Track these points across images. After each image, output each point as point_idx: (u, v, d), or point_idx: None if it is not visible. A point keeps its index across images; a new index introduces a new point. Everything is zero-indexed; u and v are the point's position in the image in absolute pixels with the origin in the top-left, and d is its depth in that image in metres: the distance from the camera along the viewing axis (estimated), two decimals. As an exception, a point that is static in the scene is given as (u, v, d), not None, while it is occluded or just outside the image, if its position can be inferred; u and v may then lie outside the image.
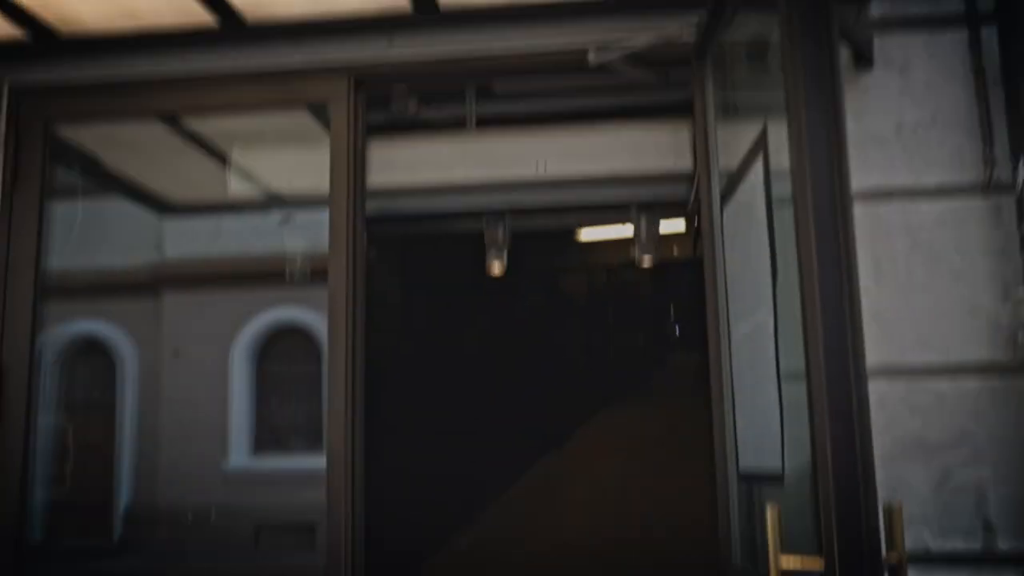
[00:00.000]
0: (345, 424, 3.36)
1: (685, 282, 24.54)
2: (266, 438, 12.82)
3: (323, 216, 3.99)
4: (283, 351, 13.45)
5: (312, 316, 11.87)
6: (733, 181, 3.46)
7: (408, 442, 8.91)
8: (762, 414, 2.64)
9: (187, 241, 13.61)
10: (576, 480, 11.48)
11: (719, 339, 3.25)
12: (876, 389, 2.39)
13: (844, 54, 3.50)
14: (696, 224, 4.90)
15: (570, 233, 11.23)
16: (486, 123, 6.04)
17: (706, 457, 12.38)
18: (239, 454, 13.47)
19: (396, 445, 8.57)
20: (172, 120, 6.17)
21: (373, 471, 7.01)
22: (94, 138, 6.33)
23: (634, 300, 23.78)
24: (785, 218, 2.50)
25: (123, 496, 13.81)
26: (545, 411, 13.02)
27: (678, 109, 5.21)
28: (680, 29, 4.08)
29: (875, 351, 3.13)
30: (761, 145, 3.04)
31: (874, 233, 3.49)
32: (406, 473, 8.64)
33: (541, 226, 7.26)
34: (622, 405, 16.79)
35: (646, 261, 7.96)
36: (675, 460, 11.65)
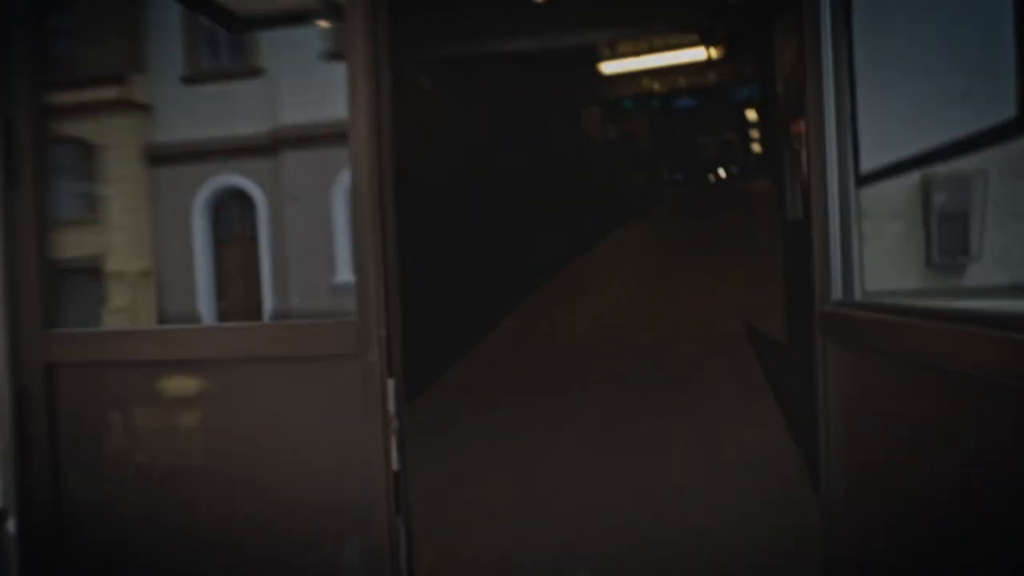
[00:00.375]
0: (372, 233, 1.99)
1: (686, 123, 22.78)
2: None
3: None
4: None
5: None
6: None
7: (467, 246, 7.83)
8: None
9: (298, 109, 12.95)
10: (601, 274, 10.51)
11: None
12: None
13: None
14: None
15: (592, 64, 9.64)
16: None
17: (696, 255, 11.24)
18: (343, 272, 13.22)
19: (457, 248, 7.40)
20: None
21: (434, 273, 6.40)
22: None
23: (640, 146, 22.18)
24: None
25: (268, 302, 13.93)
26: (575, 227, 12.04)
27: None
28: None
29: None
30: None
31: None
32: (468, 269, 7.56)
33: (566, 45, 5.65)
34: (630, 225, 15.69)
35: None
36: (673, 257, 10.66)
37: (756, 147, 28.95)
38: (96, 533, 2.21)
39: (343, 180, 13.32)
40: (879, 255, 1.80)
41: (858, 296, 1.79)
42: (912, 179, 1.85)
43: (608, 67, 9.69)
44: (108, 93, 14.99)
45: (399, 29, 2.22)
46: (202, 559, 2.14)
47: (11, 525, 2.23)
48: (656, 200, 20.97)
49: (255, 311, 14.37)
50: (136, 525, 2.19)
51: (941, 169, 1.76)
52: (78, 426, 2.20)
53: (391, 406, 2.02)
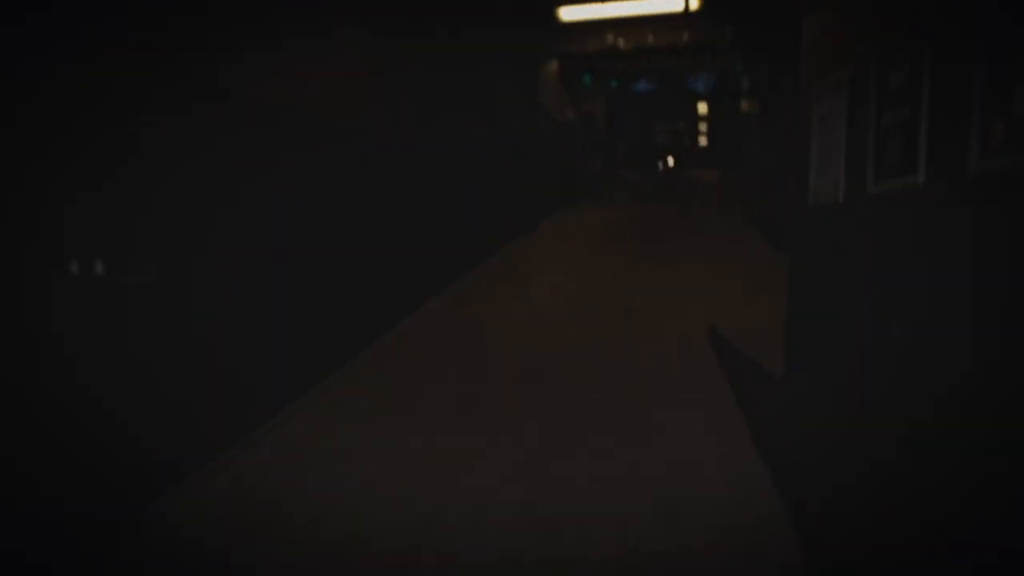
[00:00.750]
0: None
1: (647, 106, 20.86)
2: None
3: None
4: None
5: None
6: None
7: (393, 221, 6.00)
8: None
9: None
10: (543, 250, 8.77)
11: None
12: None
13: None
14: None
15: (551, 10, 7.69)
16: None
17: (656, 243, 9.56)
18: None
19: (380, 225, 5.51)
20: None
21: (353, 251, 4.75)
22: None
23: (597, 125, 20.27)
24: None
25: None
26: (522, 208, 10.21)
27: None
28: None
29: None
30: None
31: None
32: (391, 248, 5.71)
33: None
34: (578, 206, 13.95)
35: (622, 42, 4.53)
36: (627, 247, 8.98)
37: (703, 140, 27.63)
38: None
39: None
40: None
41: None
42: None
43: (568, 13, 7.69)
44: None
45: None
46: None
47: None
48: (606, 182, 19.31)
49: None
50: None
51: None
52: None
53: None
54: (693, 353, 4.70)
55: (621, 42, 8.22)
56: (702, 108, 26.89)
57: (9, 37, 2.56)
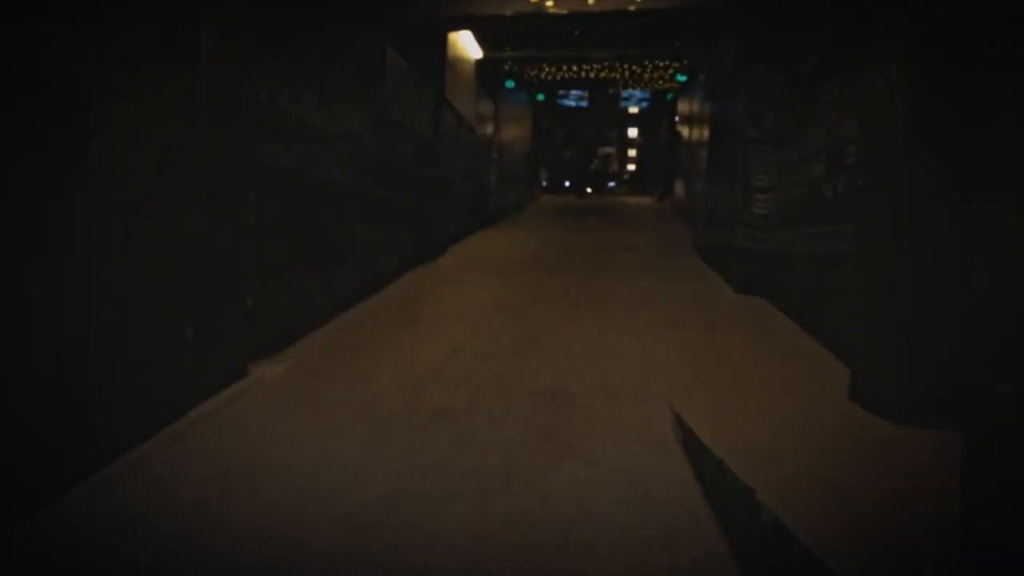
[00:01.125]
0: None
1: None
2: None
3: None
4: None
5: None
6: None
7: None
8: None
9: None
10: (451, 281, 6.84)
11: None
12: None
13: None
14: None
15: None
16: None
17: (579, 290, 7.74)
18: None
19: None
20: None
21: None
22: None
23: (519, 137, 18.59)
24: None
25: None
26: (414, 232, 8.27)
27: None
28: None
29: None
30: None
31: None
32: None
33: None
34: (495, 230, 12.22)
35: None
36: (538, 271, 7.19)
37: (631, 166, 26.74)
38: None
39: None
40: None
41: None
42: None
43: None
44: None
45: None
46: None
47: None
48: (534, 205, 17.72)
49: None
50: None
51: None
52: None
53: None
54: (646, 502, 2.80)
55: (550, 3, 6.33)
56: (633, 132, 26.06)
57: None
